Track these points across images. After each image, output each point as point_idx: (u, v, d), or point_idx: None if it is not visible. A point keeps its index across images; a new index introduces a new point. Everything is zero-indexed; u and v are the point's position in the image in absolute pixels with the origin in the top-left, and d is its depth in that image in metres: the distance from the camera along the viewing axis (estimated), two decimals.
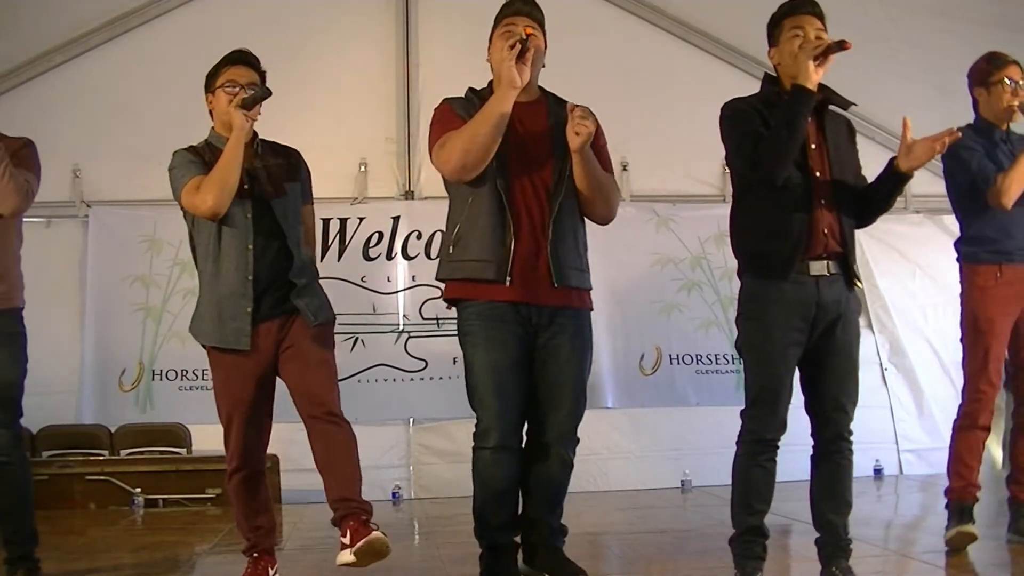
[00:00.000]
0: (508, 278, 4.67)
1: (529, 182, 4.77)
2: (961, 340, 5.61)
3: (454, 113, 4.82)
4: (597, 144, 4.89)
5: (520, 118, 4.75)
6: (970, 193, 5.53)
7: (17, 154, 4.95)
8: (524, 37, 4.58)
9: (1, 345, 4.94)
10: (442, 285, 5.00)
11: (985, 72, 5.58)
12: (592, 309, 5.01)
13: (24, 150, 5.04)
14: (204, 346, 4.90)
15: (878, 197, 4.60)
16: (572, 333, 4.85)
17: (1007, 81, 5.49)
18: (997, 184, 5.35)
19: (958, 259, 5.67)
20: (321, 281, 5.08)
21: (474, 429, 4.78)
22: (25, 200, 4.90)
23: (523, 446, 4.87)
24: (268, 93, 4.79)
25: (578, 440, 4.93)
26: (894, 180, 4.52)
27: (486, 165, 4.67)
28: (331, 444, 4.74)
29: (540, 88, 5.00)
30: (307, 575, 5.49)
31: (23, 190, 4.87)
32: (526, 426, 4.88)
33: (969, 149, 5.45)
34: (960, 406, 5.55)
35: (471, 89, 4.97)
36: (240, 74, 4.88)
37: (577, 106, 4.66)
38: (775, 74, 4.64)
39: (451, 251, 4.82)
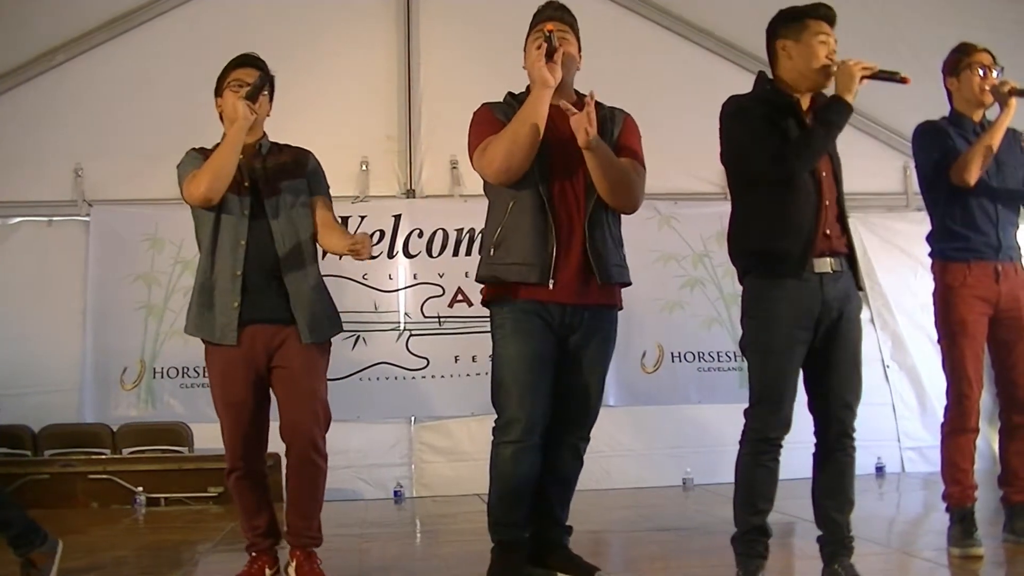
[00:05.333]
0: (552, 281, 4.68)
1: (568, 184, 4.78)
2: (938, 342, 5.62)
3: (494, 116, 4.82)
4: (625, 141, 4.97)
5: (557, 121, 4.73)
6: (932, 177, 5.57)
7: None
8: (548, 34, 4.61)
9: None
10: (479, 286, 4.98)
11: (955, 61, 5.61)
12: (622, 308, 5.04)
13: None
14: (203, 341, 4.95)
15: None
16: (602, 335, 4.92)
17: (977, 67, 5.51)
18: (959, 160, 5.38)
19: (930, 254, 5.68)
20: (323, 278, 5.11)
21: (495, 423, 4.78)
22: None
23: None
24: (266, 81, 4.88)
25: (589, 439, 4.99)
26: None
27: (528, 167, 4.66)
28: (306, 482, 4.99)
29: (576, 92, 5.00)
30: None
31: None
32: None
33: (938, 131, 5.53)
34: (945, 410, 5.54)
35: (510, 93, 4.97)
36: (247, 74, 4.96)
37: (584, 101, 4.68)
38: (775, 63, 4.64)
39: (492, 253, 4.79)
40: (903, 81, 4.38)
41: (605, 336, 4.94)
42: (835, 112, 4.39)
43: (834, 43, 4.50)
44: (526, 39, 4.91)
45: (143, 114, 8.73)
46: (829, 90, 4.52)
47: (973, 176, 5.33)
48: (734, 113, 4.58)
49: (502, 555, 4.78)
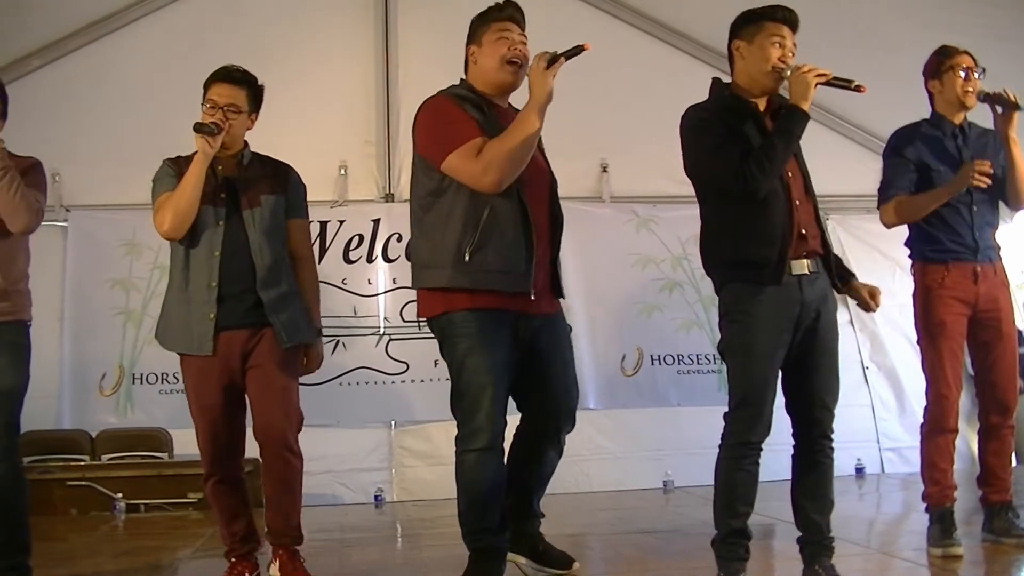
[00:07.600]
0: (533, 291, 4.64)
1: (538, 195, 4.77)
2: (917, 342, 5.65)
3: (464, 112, 4.66)
4: None
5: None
6: None
7: (26, 173, 4.93)
8: (580, 50, 4.45)
9: (2, 353, 4.90)
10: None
11: (936, 63, 5.60)
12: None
13: (32, 170, 5.02)
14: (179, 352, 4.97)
15: None
16: (563, 332, 4.99)
17: (959, 69, 5.51)
18: (887, 204, 5.55)
19: (910, 256, 5.71)
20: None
21: (458, 432, 4.69)
22: (36, 219, 4.89)
23: (520, 442, 4.97)
24: (219, 130, 4.81)
25: None
26: None
27: None
28: (282, 479, 4.97)
29: None
30: None
31: (34, 209, 4.86)
32: (523, 421, 4.96)
33: (899, 155, 5.63)
34: (925, 410, 5.56)
35: (457, 87, 4.86)
36: (221, 93, 4.96)
37: None
38: (731, 66, 4.70)
39: (468, 259, 4.57)
40: (858, 90, 4.35)
41: (566, 333, 5.04)
42: (793, 121, 4.38)
43: (792, 46, 4.49)
44: (479, 28, 4.84)
45: (120, 119, 8.72)
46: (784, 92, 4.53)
47: (890, 224, 5.61)
48: (694, 127, 4.56)
49: (478, 562, 4.72)
